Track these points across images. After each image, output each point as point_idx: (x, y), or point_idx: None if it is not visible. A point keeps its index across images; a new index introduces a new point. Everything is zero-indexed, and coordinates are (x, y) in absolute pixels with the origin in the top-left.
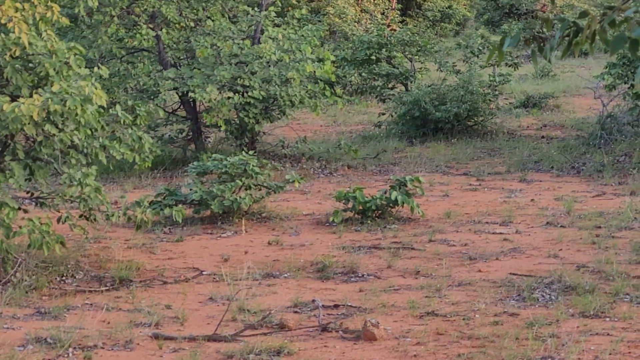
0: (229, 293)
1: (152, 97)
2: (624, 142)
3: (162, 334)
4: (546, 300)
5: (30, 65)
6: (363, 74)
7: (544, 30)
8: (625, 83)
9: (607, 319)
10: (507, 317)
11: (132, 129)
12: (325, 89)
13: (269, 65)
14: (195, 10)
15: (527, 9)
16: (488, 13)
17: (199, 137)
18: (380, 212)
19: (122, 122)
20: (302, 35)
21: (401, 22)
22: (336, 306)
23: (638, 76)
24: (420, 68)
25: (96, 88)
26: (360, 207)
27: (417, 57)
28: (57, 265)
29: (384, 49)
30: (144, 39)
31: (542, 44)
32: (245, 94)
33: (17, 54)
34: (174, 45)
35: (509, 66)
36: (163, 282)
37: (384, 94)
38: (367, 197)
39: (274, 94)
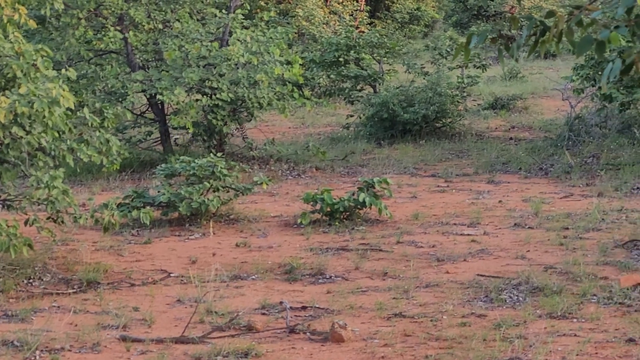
0: (196, 295)
1: (120, 99)
2: (591, 144)
3: (129, 336)
4: (514, 301)
5: None
6: (331, 75)
7: (511, 29)
8: (593, 85)
9: (575, 320)
10: (474, 318)
11: (99, 131)
12: (294, 91)
13: (237, 68)
14: (163, 12)
15: (495, 11)
16: (456, 15)
17: (167, 139)
18: (348, 213)
19: (89, 124)
20: (271, 38)
21: (370, 24)
22: (304, 308)
23: (604, 78)
24: (389, 70)
25: (64, 90)
26: (328, 209)
27: (385, 59)
28: (24, 267)
29: (352, 51)
30: (112, 41)
31: (508, 43)
32: (213, 96)
33: None
34: (142, 48)
35: (477, 68)
36: (131, 284)
37: (353, 96)
38: (335, 198)
39: (242, 96)
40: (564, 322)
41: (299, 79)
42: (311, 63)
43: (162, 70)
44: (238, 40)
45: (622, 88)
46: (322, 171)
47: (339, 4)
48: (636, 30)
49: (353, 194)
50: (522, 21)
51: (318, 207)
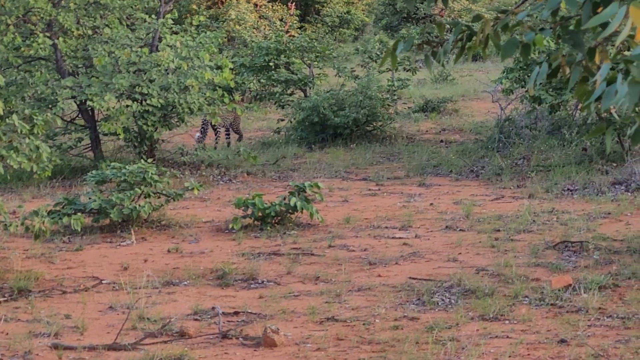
0: (128, 302)
1: (50, 106)
2: (522, 146)
3: (61, 344)
4: (446, 304)
5: None
6: (262, 80)
7: (438, 35)
8: (522, 87)
9: (507, 322)
10: (407, 321)
11: (29, 138)
12: (224, 96)
13: (167, 73)
14: (92, 18)
15: (425, 14)
16: (386, 18)
17: (97, 145)
18: (279, 218)
19: (19, 131)
20: (200, 43)
21: (300, 28)
22: (236, 313)
23: (531, 81)
24: (319, 74)
25: None
26: (260, 214)
27: (315, 62)
28: None
29: (282, 55)
30: (41, 48)
31: (435, 48)
32: (143, 101)
33: None
34: (72, 54)
35: (407, 71)
36: (62, 292)
37: (283, 100)
38: (266, 203)
39: (173, 102)
40: (496, 324)
41: (230, 83)
42: (241, 68)
43: (92, 76)
44: (168, 45)
45: (551, 90)
46: (254, 176)
47: (268, 8)
48: (561, 32)
49: (284, 199)
50: (448, 26)
51: (249, 212)
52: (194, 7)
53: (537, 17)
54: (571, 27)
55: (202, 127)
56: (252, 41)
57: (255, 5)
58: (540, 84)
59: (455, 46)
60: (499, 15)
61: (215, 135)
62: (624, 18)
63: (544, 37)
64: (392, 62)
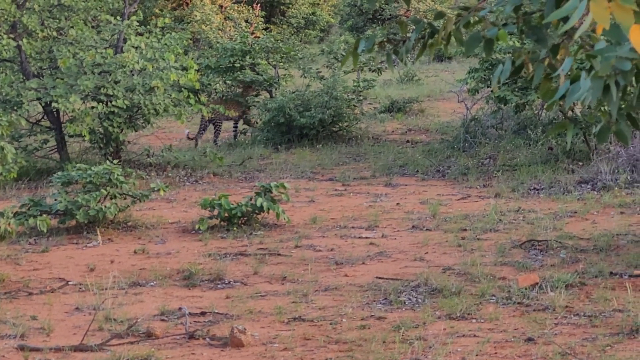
0: (95, 303)
1: (15, 107)
2: (487, 145)
3: (27, 345)
4: (413, 303)
5: None
6: (227, 81)
7: (401, 33)
8: (488, 87)
9: (474, 321)
10: (374, 320)
11: None
12: (190, 97)
13: (133, 74)
14: (57, 20)
15: (390, 15)
16: (352, 19)
17: (63, 147)
18: (246, 218)
19: None
20: (166, 44)
21: (265, 29)
22: (203, 313)
23: (495, 79)
24: (285, 75)
25: None
26: (226, 214)
27: (281, 63)
28: None
29: (247, 56)
30: (5, 49)
31: (397, 47)
32: (109, 103)
33: None
34: (37, 56)
35: (373, 71)
36: (28, 293)
37: (249, 101)
38: (232, 204)
39: (138, 103)
40: (463, 322)
41: (195, 84)
42: (207, 69)
43: (57, 77)
44: (132, 47)
45: (516, 90)
46: (220, 177)
47: (234, 10)
48: (524, 28)
49: (251, 199)
50: (410, 24)
51: (216, 212)
52: (157, 10)
53: (498, 15)
54: (534, 23)
55: (205, 125)
56: (218, 42)
57: (221, 6)
58: (506, 84)
59: (418, 44)
60: (461, 12)
61: (215, 130)
62: (585, 13)
63: (507, 32)
64: (353, 61)
